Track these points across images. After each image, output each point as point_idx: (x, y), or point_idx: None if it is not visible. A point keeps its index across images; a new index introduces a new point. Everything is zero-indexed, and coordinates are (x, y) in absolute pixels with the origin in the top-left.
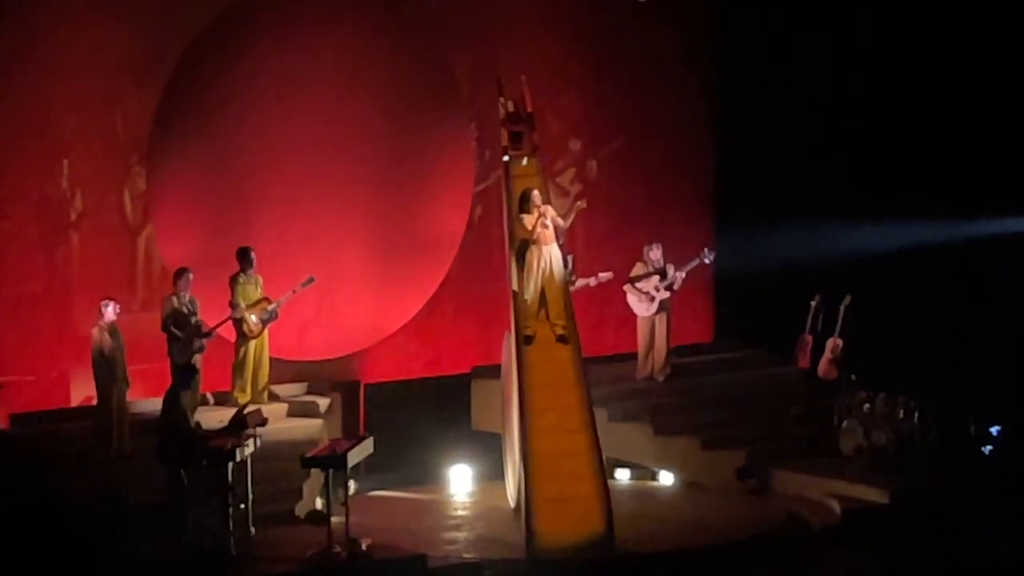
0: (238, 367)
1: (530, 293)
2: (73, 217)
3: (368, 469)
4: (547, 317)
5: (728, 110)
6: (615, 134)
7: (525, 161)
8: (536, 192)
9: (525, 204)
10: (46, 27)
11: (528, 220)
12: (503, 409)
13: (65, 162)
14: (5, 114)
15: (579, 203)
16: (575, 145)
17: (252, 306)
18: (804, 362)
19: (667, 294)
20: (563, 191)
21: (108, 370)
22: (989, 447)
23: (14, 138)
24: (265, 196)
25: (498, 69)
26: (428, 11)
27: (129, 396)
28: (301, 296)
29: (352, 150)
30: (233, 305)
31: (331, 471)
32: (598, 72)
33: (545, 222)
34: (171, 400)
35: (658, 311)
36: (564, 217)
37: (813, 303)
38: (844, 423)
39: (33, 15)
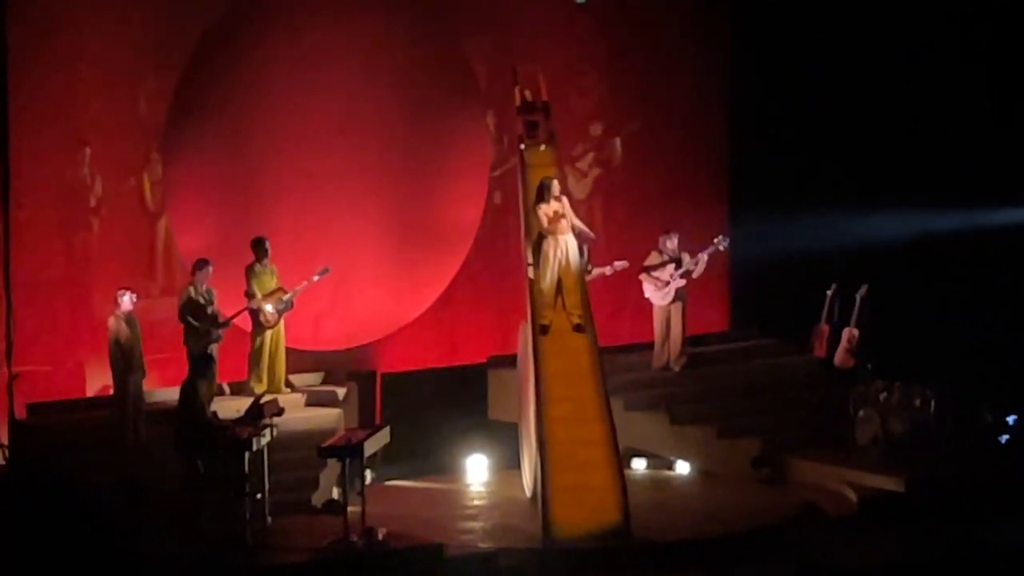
0: (254, 357)
1: (546, 282)
2: (93, 203)
3: (384, 459)
4: (563, 306)
5: (743, 97)
6: (632, 119)
7: (542, 148)
8: (555, 182)
9: (544, 193)
10: (64, 15)
11: (545, 210)
12: (519, 398)
13: (87, 150)
14: (24, 101)
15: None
16: (596, 130)
17: (268, 296)
18: (820, 351)
19: (683, 282)
20: (581, 174)
21: (125, 360)
22: (1005, 436)
23: (34, 124)
24: (280, 185)
25: (519, 51)
26: None
27: (146, 386)
28: (317, 286)
29: (367, 139)
30: (249, 295)
31: (347, 461)
32: (616, 58)
33: (562, 212)
34: (188, 390)
35: (674, 300)
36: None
37: (829, 292)
38: (860, 412)
39: (51, 4)
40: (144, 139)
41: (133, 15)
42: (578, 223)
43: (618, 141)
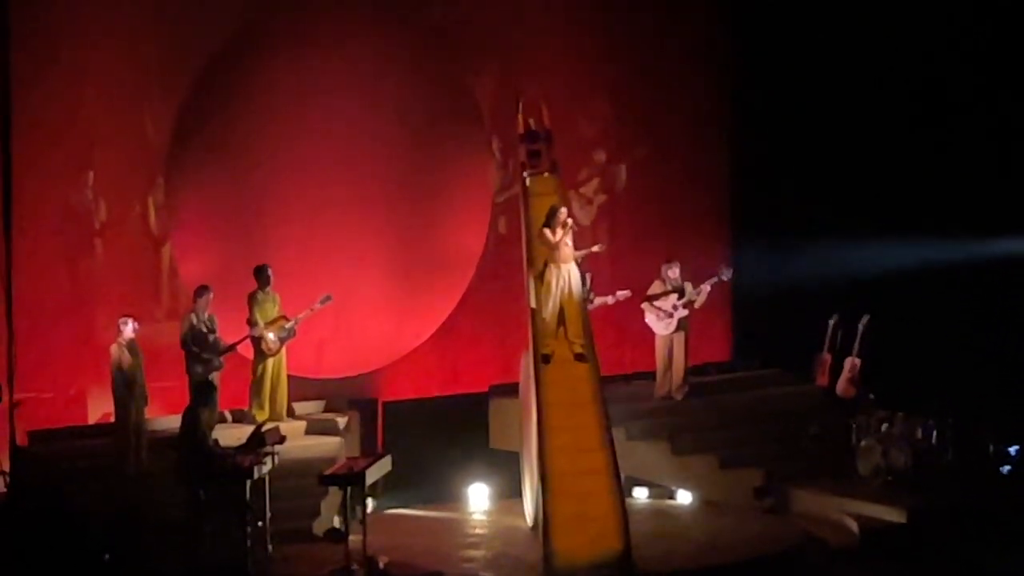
0: (256, 385)
1: (548, 311)
2: (97, 226)
3: (386, 487)
4: (565, 335)
5: (746, 127)
6: (637, 146)
7: (545, 176)
8: (564, 210)
9: (551, 219)
10: (69, 37)
11: (555, 235)
12: (521, 427)
13: (91, 173)
14: (28, 124)
15: (596, 247)
16: (600, 156)
17: (270, 324)
18: (822, 381)
19: (685, 312)
20: (586, 200)
21: (127, 387)
22: (1007, 467)
23: (37, 147)
24: (282, 213)
25: (526, 74)
26: (452, 23)
27: (147, 413)
28: (319, 314)
29: (370, 167)
30: (251, 323)
31: (349, 489)
32: (621, 85)
33: (567, 240)
34: (190, 418)
35: (676, 329)
36: (576, 249)
37: (831, 322)
38: (862, 442)
39: (56, 29)
40: (150, 163)
41: (139, 38)
42: (577, 254)
43: (623, 168)
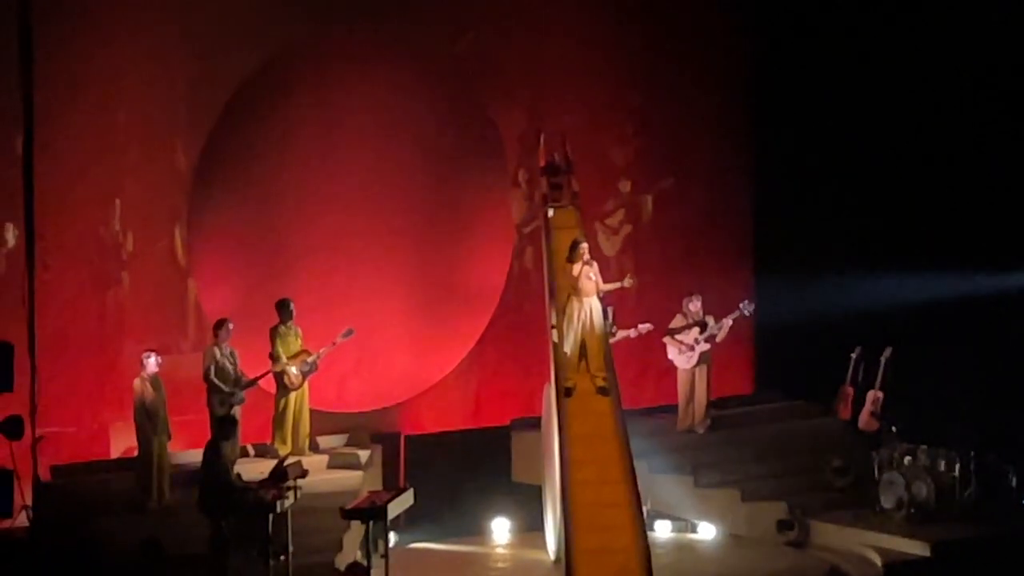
0: (279, 419)
1: (570, 345)
2: (124, 257)
3: (408, 521)
4: (587, 369)
5: (768, 161)
6: (660, 179)
7: (567, 208)
8: (585, 244)
9: (572, 253)
10: (96, 70)
11: (574, 269)
12: (543, 461)
13: (117, 202)
14: (54, 154)
15: (626, 281)
16: (625, 187)
17: (292, 358)
18: (845, 414)
19: (707, 346)
20: (612, 231)
21: (150, 422)
22: None
23: (64, 177)
24: (305, 247)
25: (551, 106)
26: (475, 54)
27: (170, 447)
28: (341, 348)
29: (392, 201)
30: (274, 357)
31: (371, 523)
32: (643, 118)
33: (589, 274)
34: (212, 452)
35: (698, 363)
36: (605, 282)
37: (854, 355)
38: (885, 475)
39: (82, 59)
40: (177, 194)
41: (167, 69)
42: (604, 287)
43: (649, 199)
